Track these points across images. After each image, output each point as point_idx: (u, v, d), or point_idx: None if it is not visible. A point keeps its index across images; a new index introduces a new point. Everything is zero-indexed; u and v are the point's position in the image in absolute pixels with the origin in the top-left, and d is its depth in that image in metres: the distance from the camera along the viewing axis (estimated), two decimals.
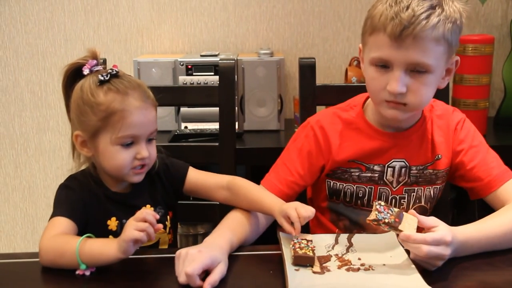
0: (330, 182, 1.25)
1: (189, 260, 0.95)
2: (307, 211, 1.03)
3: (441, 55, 1.09)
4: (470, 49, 1.87)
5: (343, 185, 1.24)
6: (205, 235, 2.03)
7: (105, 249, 0.98)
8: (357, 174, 1.22)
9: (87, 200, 1.12)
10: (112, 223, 1.13)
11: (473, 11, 2.18)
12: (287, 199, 1.19)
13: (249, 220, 1.15)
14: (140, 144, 1.11)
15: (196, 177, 1.24)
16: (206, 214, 1.55)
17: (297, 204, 1.06)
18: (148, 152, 1.11)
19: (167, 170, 1.23)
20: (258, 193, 1.17)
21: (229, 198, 1.21)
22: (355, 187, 1.23)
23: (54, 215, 1.08)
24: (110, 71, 1.11)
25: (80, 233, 1.05)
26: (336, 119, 1.25)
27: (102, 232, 1.11)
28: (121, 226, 1.12)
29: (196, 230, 2.02)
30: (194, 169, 1.25)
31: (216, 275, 0.95)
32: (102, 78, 1.09)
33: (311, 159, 1.23)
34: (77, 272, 0.99)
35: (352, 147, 1.22)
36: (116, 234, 1.11)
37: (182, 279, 0.94)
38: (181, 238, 2.02)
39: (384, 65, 1.10)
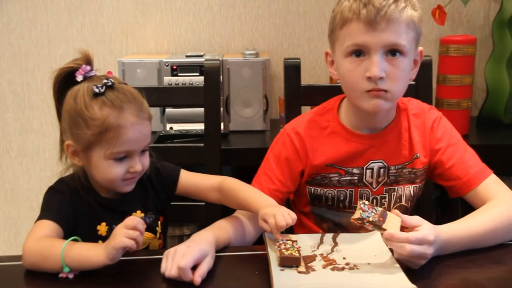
0: (310, 188, 1.26)
1: (180, 255, 0.96)
2: (286, 219, 1.02)
3: (412, 40, 1.13)
4: (453, 49, 1.89)
5: (323, 190, 1.25)
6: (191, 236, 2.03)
7: (92, 254, 0.97)
8: (336, 178, 1.23)
9: (77, 204, 1.11)
10: (102, 228, 1.12)
11: (456, 12, 2.21)
12: None
13: (234, 227, 1.15)
14: (133, 158, 1.09)
15: (188, 179, 1.23)
16: (191, 215, 1.54)
17: (277, 211, 1.04)
18: (141, 165, 1.10)
19: (158, 174, 1.22)
20: (248, 193, 1.16)
21: (220, 199, 1.21)
22: (336, 191, 1.24)
23: (40, 218, 1.06)
24: (106, 81, 1.07)
25: (67, 237, 1.04)
26: (312, 124, 1.25)
27: (92, 237, 1.10)
28: (111, 231, 1.09)
29: (182, 231, 2.01)
30: (185, 171, 1.24)
31: (204, 267, 0.97)
32: (97, 91, 1.05)
33: (289, 165, 1.24)
34: (60, 275, 0.98)
35: (329, 151, 1.23)
36: (106, 239, 1.08)
37: (173, 272, 0.94)
38: (167, 239, 2.01)
39: (359, 53, 1.12)
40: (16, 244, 2.38)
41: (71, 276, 0.98)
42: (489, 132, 2.02)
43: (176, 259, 0.96)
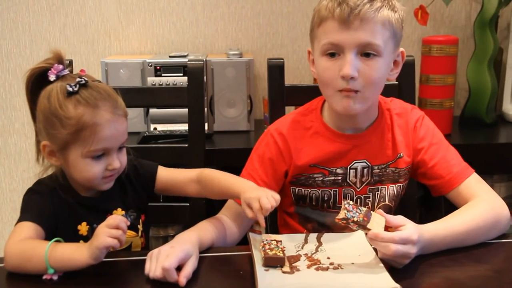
0: (294, 189, 1.26)
1: (164, 255, 0.96)
2: (271, 201, 1.02)
3: (388, 39, 1.13)
4: (435, 49, 1.90)
5: (308, 190, 1.25)
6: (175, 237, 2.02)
7: (75, 254, 0.97)
8: (320, 179, 1.23)
9: (56, 205, 1.10)
10: (83, 227, 1.12)
11: (438, 12, 2.23)
12: None
13: (217, 227, 1.14)
14: (111, 156, 1.09)
15: (166, 175, 1.23)
16: (176, 216, 1.54)
17: (261, 194, 1.04)
18: (119, 163, 1.10)
19: (136, 171, 1.21)
20: (226, 180, 1.16)
21: (200, 190, 1.20)
22: (320, 192, 1.24)
23: (21, 219, 1.05)
24: (79, 80, 1.06)
25: (48, 238, 1.03)
26: (295, 124, 1.26)
27: (73, 237, 1.09)
28: (91, 231, 1.10)
29: (166, 232, 2.00)
30: (163, 167, 1.23)
31: (189, 268, 0.97)
32: (70, 90, 1.04)
33: (273, 165, 1.24)
34: (44, 277, 0.97)
35: (312, 151, 1.23)
36: (87, 238, 1.09)
37: (157, 273, 0.94)
38: (151, 240, 1.99)
39: (334, 53, 1.13)
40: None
41: (55, 277, 0.98)
42: (472, 131, 2.04)
43: (160, 260, 0.95)
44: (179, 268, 0.96)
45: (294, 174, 1.24)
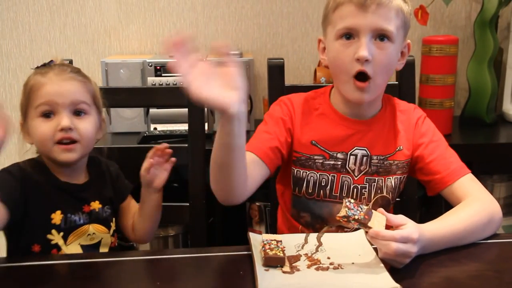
0: (294, 170, 1.27)
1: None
2: None
3: (399, 28, 1.18)
4: (435, 49, 1.90)
5: (306, 172, 1.25)
6: (176, 237, 2.03)
7: None
8: (320, 161, 1.25)
9: (29, 190, 1.10)
10: (57, 216, 1.11)
11: (438, 12, 2.23)
12: (270, 163, 1.20)
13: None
14: (60, 114, 1.10)
15: (128, 204, 1.28)
16: (176, 216, 1.53)
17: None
18: (69, 122, 1.09)
19: (118, 178, 1.26)
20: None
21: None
22: (318, 175, 1.25)
23: None
24: (48, 62, 1.15)
25: (14, 223, 1.03)
26: (305, 102, 1.29)
27: (45, 225, 1.10)
28: (65, 220, 1.11)
29: (166, 232, 2.00)
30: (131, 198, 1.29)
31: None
32: (35, 67, 1.13)
33: (284, 124, 1.26)
34: None
35: (316, 129, 1.25)
36: (60, 228, 1.11)
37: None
38: (151, 240, 2.00)
39: (350, 36, 1.16)
40: None
41: None
42: (472, 131, 2.04)
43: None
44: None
45: (296, 149, 1.25)
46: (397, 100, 1.31)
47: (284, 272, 0.98)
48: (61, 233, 1.12)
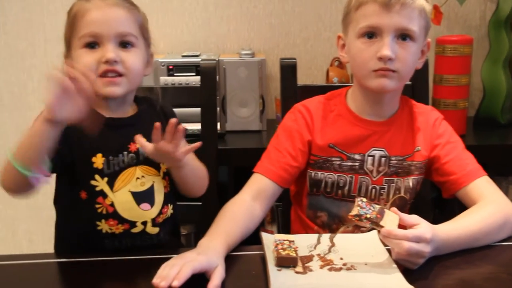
0: (311, 172, 1.26)
1: (187, 259, 0.94)
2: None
3: (422, 28, 1.18)
4: (449, 49, 1.89)
5: (324, 174, 1.25)
6: (188, 236, 2.03)
7: (33, 125, 0.92)
8: (338, 163, 1.24)
9: (70, 131, 0.99)
10: (98, 159, 1.06)
11: (452, 12, 2.21)
12: (283, 182, 1.21)
13: (243, 222, 1.13)
14: (105, 46, 1.04)
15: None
16: (188, 215, 1.54)
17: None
18: (115, 54, 1.04)
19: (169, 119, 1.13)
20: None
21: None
22: (336, 176, 1.25)
23: None
24: None
25: (66, 170, 1.00)
26: (320, 105, 1.28)
27: (87, 170, 1.05)
28: (107, 164, 1.05)
29: None
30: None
31: (217, 279, 0.93)
32: None
33: (300, 136, 1.25)
34: (32, 182, 0.93)
35: (333, 132, 1.25)
36: (103, 173, 1.05)
37: (164, 284, 0.89)
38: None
39: (372, 35, 1.16)
40: (13, 244, 2.37)
41: (41, 178, 0.93)
42: (486, 132, 2.02)
43: (181, 262, 0.93)
44: (204, 279, 0.94)
45: (313, 152, 1.25)
46: (414, 102, 1.31)
47: (296, 272, 0.98)
48: (105, 179, 1.06)
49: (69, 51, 1.09)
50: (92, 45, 1.05)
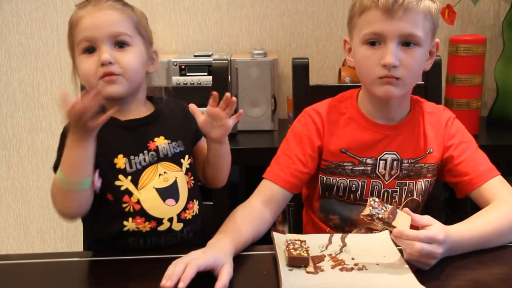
0: (323, 177, 1.26)
1: (193, 256, 0.95)
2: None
3: (428, 31, 1.15)
4: (463, 49, 1.88)
5: (336, 179, 1.25)
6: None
7: (67, 143, 0.97)
8: (350, 168, 1.23)
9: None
10: (120, 160, 1.08)
11: (465, 11, 2.19)
12: (293, 188, 1.21)
13: (251, 225, 1.13)
14: (100, 48, 1.07)
15: (202, 146, 1.22)
16: None
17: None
18: (109, 56, 1.06)
19: (188, 116, 1.15)
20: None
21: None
22: (348, 181, 1.24)
23: (56, 163, 1.05)
24: None
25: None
26: (331, 108, 1.27)
27: (111, 172, 1.07)
28: (129, 163, 1.08)
29: None
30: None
31: (224, 278, 0.93)
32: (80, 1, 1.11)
33: (311, 142, 1.24)
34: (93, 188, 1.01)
35: (345, 136, 1.24)
36: (126, 172, 1.07)
37: (169, 284, 0.89)
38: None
39: (376, 42, 1.14)
40: (25, 243, 2.39)
41: (98, 184, 1.01)
42: (499, 132, 2.01)
43: (187, 259, 0.94)
44: (212, 278, 0.94)
45: (325, 158, 1.24)
46: (425, 102, 1.30)
47: (308, 272, 0.98)
48: (129, 177, 1.08)
49: (74, 62, 1.13)
50: (90, 50, 1.08)
